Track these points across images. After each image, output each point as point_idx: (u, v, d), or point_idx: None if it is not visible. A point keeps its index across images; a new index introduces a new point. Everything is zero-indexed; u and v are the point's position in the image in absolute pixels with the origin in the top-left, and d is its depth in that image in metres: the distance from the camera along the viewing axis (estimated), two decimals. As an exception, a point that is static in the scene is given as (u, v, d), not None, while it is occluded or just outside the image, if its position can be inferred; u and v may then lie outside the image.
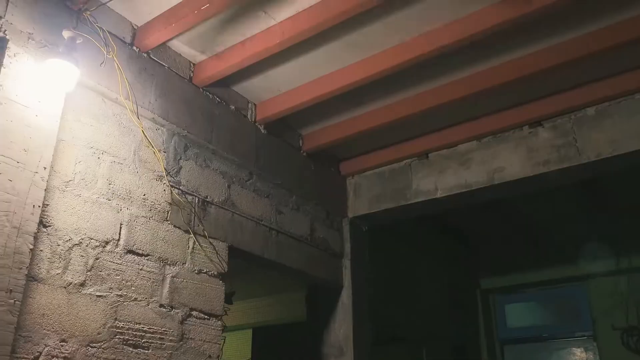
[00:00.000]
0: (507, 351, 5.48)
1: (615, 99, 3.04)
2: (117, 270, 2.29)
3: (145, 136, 2.56)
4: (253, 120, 3.24)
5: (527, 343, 5.42)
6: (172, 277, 2.52)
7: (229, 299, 4.08)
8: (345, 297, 3.70)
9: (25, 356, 1.91)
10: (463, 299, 5.59)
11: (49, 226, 2.09)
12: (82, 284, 2.15)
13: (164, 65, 2.76)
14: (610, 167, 3.13)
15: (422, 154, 3.65)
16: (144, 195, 2.50)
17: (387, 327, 4.68)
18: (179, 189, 2.68)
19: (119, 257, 2.31)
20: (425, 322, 4.69)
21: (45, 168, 2.09)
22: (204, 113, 2.91)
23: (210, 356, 2.58)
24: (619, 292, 4.80)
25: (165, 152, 2.66)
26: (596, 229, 4.96)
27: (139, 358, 2.27)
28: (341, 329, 3.60)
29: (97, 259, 2.23)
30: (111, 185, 2.37)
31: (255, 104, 3.26)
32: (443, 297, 5.10)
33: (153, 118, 2.63)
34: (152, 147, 2.57)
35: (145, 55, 2.67)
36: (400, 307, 4.43)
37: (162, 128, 2.68)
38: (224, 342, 2.89)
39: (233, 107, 3.12)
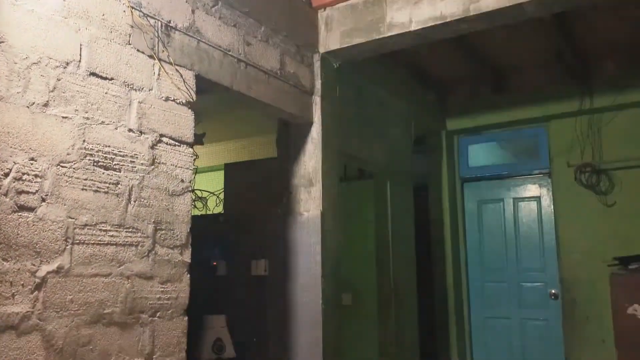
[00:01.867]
0: (466, 188, 5.78)
1: None
2: (81, 92, 2.23)
3: (99, -51, 2.34)
4: (217, -62, 2.98)
5: (486, 180, 5.71)
6: (139, 102, 2.47)
7: (199, 139, 4.10)
8: (315, 133, 3.75)
9: (-5, 172, 1.92)
10: (428, 140, 5.76)
11: (3, 42, 1.98)
12: (46, 104, 2.10)
13: None
14: (587, -2, 3.06)
15: (397, -17, 3.48)
16: (103, 15, 2.35)
17: (354, 163, 4.84)
18: (140, 10, 2.52)
19: (81, 79, 2.23)
20: (391, 160, 4.84)
21: (-11, -23, 1.92)
22: None
23: (182, 180, 2.65)
24: (578, 131, 4.98)
25: (122, -32, 2.45)
26: (563, 70, 4.99)
27: (111, 179, 2.31)
28: (310, 162, 3.70)
29: (58, 79, 2.15)
30: (66, 2, 2.21)
31: None
32: (409, 137, 5.22)
33: None
34: (107, -39, 2.37)
35: None
36: (368, 144, 4.54)
37: (117, -59, 2.44)
38: (196, 171, 2.95)
39: None
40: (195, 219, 2.76)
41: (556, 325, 5.14)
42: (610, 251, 4.58)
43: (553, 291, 5.19)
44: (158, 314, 2.44)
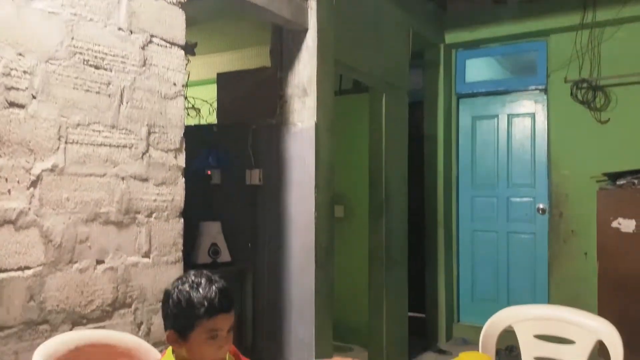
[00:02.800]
0: (461, 104, 5.74)
1: None
2: (67, -14, 2.14)
3: None
4: None
5: (481, 96, 5.66)
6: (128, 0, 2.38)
7: (191, 50, 3.98)
8: (310, 40, 3.66)
9: (-17, 67, 1.87)
10: (426, 53, 5.64)
11: None
12: (31, -3, 2.02)
13: None
14: None
15: None
16: None
17: (350, 75, 4.77)
18: None
19: (66, -29, 2.14)
20: (387, 72, 4.76)
21: None
22: None
23: (175, 84, 2.60)
24: (578, 46, 4.89)
25: None
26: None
27: (102, 79, 2.27)
28: (305, 70, 3.64)
29: (42, -29, 2.05)
30: None
31: None
32: (407, 49, 5.10)
33: None
34: None
35: None
36: (364, 55, 4.44)
37: None
38: (188, 80, 2.90)
39: None
40: (189, 128, 2.74)
41: (542, 239, 5.30)
42: (601, 167, 4.64)
43: (541, 206, 5.30)
44: (154, 215, 2.49)
